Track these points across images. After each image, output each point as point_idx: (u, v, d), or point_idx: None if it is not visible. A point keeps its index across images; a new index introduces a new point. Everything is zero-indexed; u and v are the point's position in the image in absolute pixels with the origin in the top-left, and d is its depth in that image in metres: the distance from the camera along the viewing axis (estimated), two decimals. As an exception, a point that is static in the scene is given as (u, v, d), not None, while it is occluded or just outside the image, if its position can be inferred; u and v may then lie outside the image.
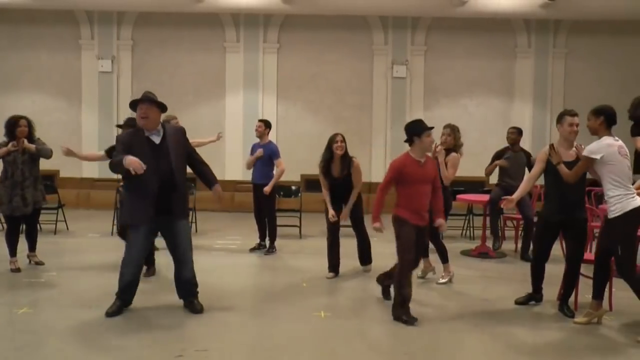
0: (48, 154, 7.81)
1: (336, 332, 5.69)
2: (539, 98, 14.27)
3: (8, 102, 14.48)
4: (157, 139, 6.06)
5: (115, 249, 8.95)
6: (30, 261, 8.10)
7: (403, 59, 14.30)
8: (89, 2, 13.65)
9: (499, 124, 13.94)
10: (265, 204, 9.39)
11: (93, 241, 9.95)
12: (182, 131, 6.35)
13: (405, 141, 6.16)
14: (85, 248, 9.38)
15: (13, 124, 7.76)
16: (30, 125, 7.84)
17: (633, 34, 14.08)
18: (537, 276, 6.62)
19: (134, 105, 6.07)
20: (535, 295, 6.67)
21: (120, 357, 5.08)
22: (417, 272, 7.83)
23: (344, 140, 7.80)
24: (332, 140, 7.79)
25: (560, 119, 6.50)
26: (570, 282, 6.37)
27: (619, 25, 14.03)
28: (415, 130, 6.09)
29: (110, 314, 6.02)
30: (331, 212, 7.77)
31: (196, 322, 5.88)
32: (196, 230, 10.90)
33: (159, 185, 5.93)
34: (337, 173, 7.81)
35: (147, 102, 6.00)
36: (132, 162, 5.71)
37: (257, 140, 9.51)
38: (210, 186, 6.40)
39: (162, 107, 6.14)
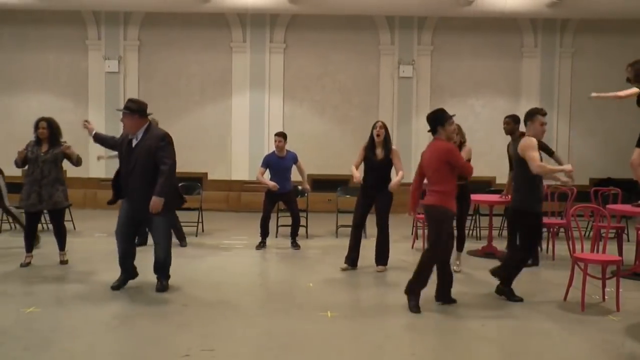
0: (77, 164, 8.23)
1: (343, 332, 5.69)
2: (546, 98, 14.23)
3: (15, 102, 14.56)
4: (134, 142, 6.74)
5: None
6: (60, 261, 8.28)
7: (409, 59, 14.29)
8: (95, 2, 13.69)
9: (506, 124, 13.91)
10: (293, 204, 9.83)
11: (100, 240, 9.99)
12: (160, 137, 6.72)
13: (429, 131, 6.39)
14: (92, 247, 9.41)
15: (35, 126, 8.08)
16: (51, 126, 8.08)
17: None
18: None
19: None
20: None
21: (127, 356, 5.09)
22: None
23: (383, 127, 8.02)
24: (373, 127, 8.08)
25: (531, 117, 6.63)
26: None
27: (625, 25, 13.99)
28: (439, 119, 6.32)
29: (115, 287, 6.91)
30: (356, 175, 7.97)
31: (202, 321, 5.89)
32: (202, 230, 10.92)
33: (125, 180, 6.75)
34: (380, 155, 8.00)
35: (125, 112, 6.75)
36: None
37: (268, 151, 9.88)
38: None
39: (143, 113, 6.77)
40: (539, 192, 6.54)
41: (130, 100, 6.87)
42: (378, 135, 7.95)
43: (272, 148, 9.94)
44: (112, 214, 9.70)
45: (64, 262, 8.21)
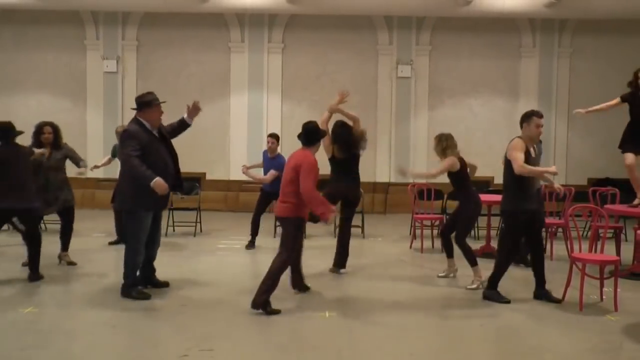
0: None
1: (341, 333, 5.69)
2: (544, 97, 14.24)
3: (14, 102, 14.53)
4: (156, 132, 6.69)
5: (119, 249, 8.99)
6: (60, 261, 8.21)
7: (408, 59, 14.29)
8: (94, 2, 13.68)
9: (504, 124, 13.94)
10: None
11: (98, 241, 9.97)
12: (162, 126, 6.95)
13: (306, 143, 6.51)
14: (90, 248, 9.40)
15: (38, 130, 7.97)
16: (56, 131, 8.08)
17: (638, 33, 14.05)
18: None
19: (147, 103, 6.58)
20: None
21: (125, 356, 5.09)
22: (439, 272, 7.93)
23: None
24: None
25: (527, 118, 6.63)
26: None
27: (624, 25, 13.99)
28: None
29: (146, 297, 6.57)
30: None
31: (201, 321, 5.89)
32: (201, 230, 10.92)
33: (171, 174, 6.64)
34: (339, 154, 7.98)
35: (161, 103, 6.70)
36: (160, 186, 6.28)
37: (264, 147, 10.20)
38: (189, 121, 7.23)
39: None
40: (527, 191, 6.54)
41: (153, 93, 6.80)
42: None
43: (271, 147, 9.97)
44: (110, 214, 9.73)
45: (71, 264, 8.17)
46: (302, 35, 14.41)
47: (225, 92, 14.53)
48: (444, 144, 7.53)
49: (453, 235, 7.68)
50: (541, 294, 6.72)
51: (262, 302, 6.10)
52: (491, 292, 6.71)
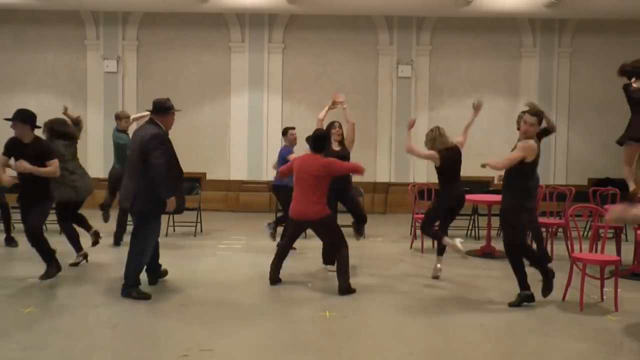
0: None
1: (341, 332, 5.69)
2: (545, 98, 14.21)
3: (14, 102, 14.49)
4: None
5: (119, 249, 9.01)
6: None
7: (408, 59, 14.28)
8: (94, 2, 13.67)
9: (504, 124, 13.91)
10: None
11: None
12: None
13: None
14: (90, 248, 9.39)
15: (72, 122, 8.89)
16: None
17: (638, 33, 14.04)
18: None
19: (168, 109, 6.79)
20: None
21: (126, 356, 5.09)
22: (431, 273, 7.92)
23: (341, 127, 9.00)
24: (330, 126, 8.88)
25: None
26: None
27: (624, 25, 13.99)
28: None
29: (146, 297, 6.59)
30: None
31: (201, 321, 5.89)
32: (201, 230, 10.92)
33: (179, 175, 6.86)
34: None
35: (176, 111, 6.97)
36: (172, 204, 6.49)
37: (267, 150, 9.85)
38: None
39: None
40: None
41: (170, 100, 6.95)
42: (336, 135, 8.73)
43: (271, 147, 9.95)
44: (111, 214, 9.73)
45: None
46: (302, 35, 14.41)
47: (225, 92, 14.53)
48: (433, 134, 7.97)
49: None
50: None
51: (346, 287, 6.93)
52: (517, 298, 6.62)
